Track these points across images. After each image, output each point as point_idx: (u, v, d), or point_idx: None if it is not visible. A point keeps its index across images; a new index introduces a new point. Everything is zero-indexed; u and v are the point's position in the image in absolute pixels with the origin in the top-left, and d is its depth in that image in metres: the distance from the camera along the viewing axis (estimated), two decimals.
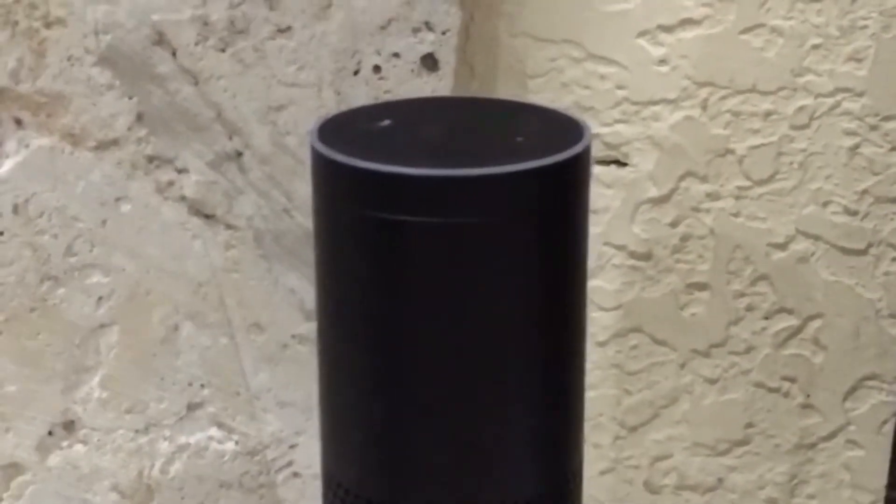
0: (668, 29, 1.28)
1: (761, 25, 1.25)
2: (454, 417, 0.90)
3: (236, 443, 1.35)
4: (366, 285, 0.89)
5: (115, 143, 1.24)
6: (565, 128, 0.93)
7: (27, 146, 1.22)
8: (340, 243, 0.90)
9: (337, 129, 0.93)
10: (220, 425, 1.34)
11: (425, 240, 0.86)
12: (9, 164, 1.22)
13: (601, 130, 1.32)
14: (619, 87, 1.31)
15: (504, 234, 0.86)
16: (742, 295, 1.32)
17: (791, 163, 1.28)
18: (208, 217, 1.29)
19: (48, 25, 1.20)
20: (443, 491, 0.91)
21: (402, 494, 0.92)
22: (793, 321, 1.32)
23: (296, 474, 1.37)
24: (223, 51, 1.23)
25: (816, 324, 1.31)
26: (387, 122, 0.95)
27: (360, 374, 0.92)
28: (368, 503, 0.92)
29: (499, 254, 0.87)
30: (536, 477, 0.93)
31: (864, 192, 1.27)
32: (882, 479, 1.29)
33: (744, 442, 1.36)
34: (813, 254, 1.29)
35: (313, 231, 0.93)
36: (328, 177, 0.90)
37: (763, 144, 1.28)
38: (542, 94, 1.32)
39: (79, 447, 1.30)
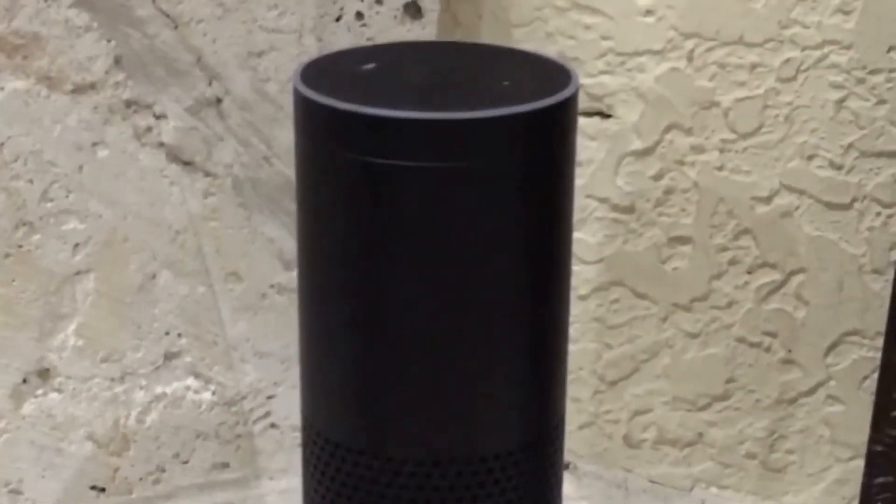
0: None
1: None
2: (436, 366, 0.89)
3: (213, 393, 1.33)
4: (349, 229, 0.87)
5: (92, 86, 1.22)
6: (552, 73, 0.92)
7: (2, 89, 1.20)
8: (324, 188, 0.88)
9: (320, 72, 0.92)
10: (197, 375, 1.32)
11: (410, 183, 0.85)
12: None
13: (585, 81, 1.31)
14: (604, 38, 1.30)
15: (490, 179, 0.85)
16: (725, 249, 1.32)
17: (777, 116, 1.27)
18: (187, 164, 1.27)
19: None
20: (424, 440, 0.90)
21: (382, 444, 0.91)
22: (775, 276, 1.31)
23: (273, 425, 1.36)
24: None
25: (799, 278, 1.31)
26: (371, 66, 0.93)
27: (343, 322, 0.90)
28: (349, 451, 0.91)
29: (484, 198, 0.85)
30: (520, 427, 0.92)
31: (850, 146, 1.26)
32: (862, 436, 1.29)
33: (724, 397, 1.36)
34: (797, 208, 1.29)
35: (295, 176, 0.91)
36: (312, 120, 0.88)
37: (749, 97, 1.27)
38: (526, 44, 1.30)
39: (54, 395, 1.28)
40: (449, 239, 0.86)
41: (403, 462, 0.90)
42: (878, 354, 1.29)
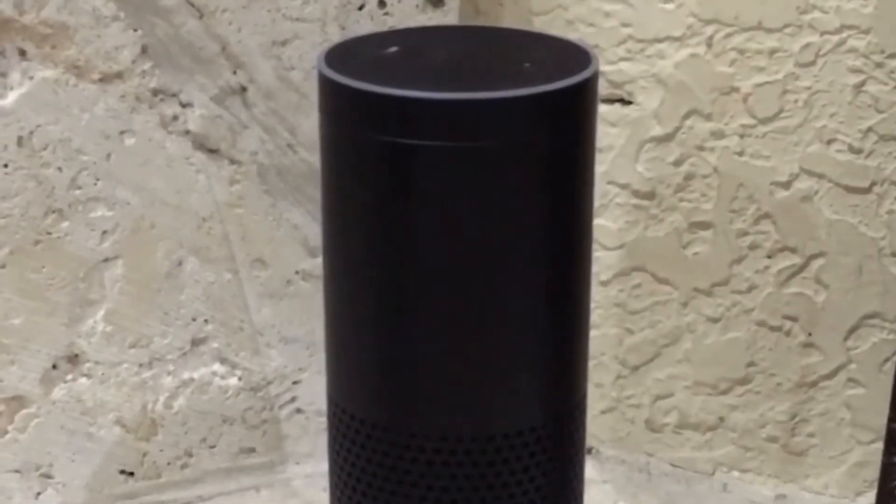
0: None
1: None
2: (459, 344, 0.90)
3: (240, 378, 1.35)
4: (374, 210, 0.89)
5: (119, 75, 1.24)
6: (572, 55, 0.93)
7: (31, 78, 1.22)
8: (349, 169, 0.90)
9: (344, 55, 0.93)
10: (223, 361, 1.34)
11: (433, 164, 0.86)
12: (13, 96, 1.22)
13: (606, 68, 1.32)
14: (624, 25, 1.31)
15: (512, 158, 0.86)
16: (745, 234, 1.32)
17: (796, 101, 1.28)
18: (212, 152, 1.29)
19: None
20: (447, 417, 0.92)
21: (406, 420, 0.92)
22: (795, 260, 1.32)
23: (299, 410, 1.38)
24: None
25: (819, 262, 1.31)
26: (394, 49, 0.95)
27: (368, 301, 0.92)
28: (373, 428, 0.93)
29: (507, 177, 0.87)
30: (542, 404, 0.94)
31: (869, 129, 1.27)
32: (883, 418, 1.29)
33: (745, 381, 1.36)
34: (816, 192, 1.30)
35: (320, 158, 0.93)
36: (337, 102, 0.89)
37: (768, 82, 1.28)
38: (547, 32, 1.31)
39: (83, 381, 1.30)
40: (472, 218, 0.88)
41: (427, 438, 0.91)
42: None
